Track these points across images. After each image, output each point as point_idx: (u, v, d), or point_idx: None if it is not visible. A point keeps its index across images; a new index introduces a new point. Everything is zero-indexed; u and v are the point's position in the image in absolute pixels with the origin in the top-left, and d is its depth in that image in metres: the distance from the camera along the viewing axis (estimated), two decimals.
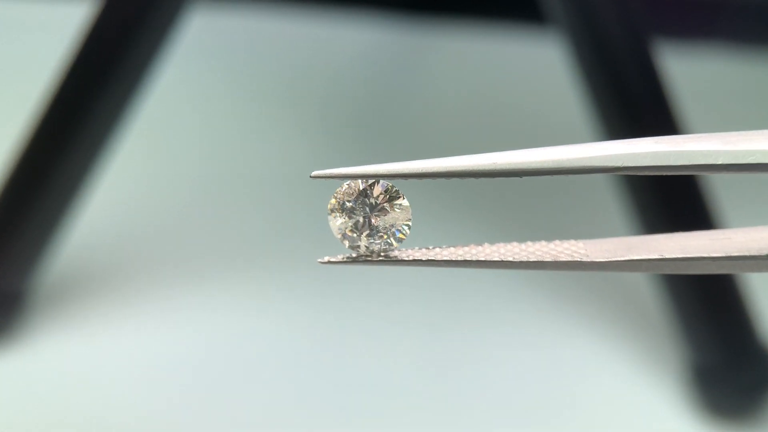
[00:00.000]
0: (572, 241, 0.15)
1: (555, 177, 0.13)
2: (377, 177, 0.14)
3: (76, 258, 0.36)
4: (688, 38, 0.53)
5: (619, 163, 0.13)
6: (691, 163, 0.13)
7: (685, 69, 0.39)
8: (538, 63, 0.47)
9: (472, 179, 0.13)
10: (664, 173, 0.14)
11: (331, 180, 0.14)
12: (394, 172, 0.13)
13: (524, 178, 0.13)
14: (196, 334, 0.34)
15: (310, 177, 0.13)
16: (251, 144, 0.45)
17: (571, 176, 0.13)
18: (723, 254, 0.15)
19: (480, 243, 0.15)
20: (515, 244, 0.15)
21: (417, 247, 0.15)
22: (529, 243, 0.15)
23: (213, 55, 0.51)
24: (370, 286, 0.36)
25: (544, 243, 0.15)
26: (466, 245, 0.15)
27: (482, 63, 0.53)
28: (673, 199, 0.32)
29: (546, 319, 0.36)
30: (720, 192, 0.33)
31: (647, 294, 0.35)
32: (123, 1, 0.32)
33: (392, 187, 0.15)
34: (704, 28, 0.54)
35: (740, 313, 0.32)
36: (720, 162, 0.13)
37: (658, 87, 0.33)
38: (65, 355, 0.33)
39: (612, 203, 0.35)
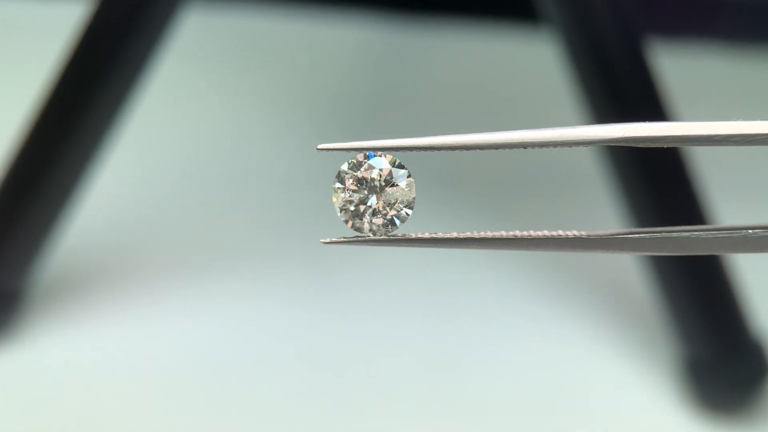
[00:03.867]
0: (574, 231, 0.15)
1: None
2: (382, 149, 0.14)
3: (74, 255, 0.36)
4: (682, 36, 0.53)
5: (619, 134, 0.13)
6: (692, 133, 0.14)
7: (678, 67, 0.39)
8: (532, 61, 0.47)
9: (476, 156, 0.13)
10: (665, 144, 0.14)
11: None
12: (399, 146, 0.14)
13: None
14: (195, 329, 0.34)
15: (317, 150, 0.13)
16: (247, 142, 0.45)
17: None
18: (726, 233, 0.15)
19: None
20: (517, 232, 0.15)
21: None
22: (531, 232, 0.15)
23: (208, 54, 0.51)
24: (372, 281, 0.37)
25: (546, 232, 0.15)
26: (468, 231, 0.15)
27: (476, 61, 0.53)
28: (668, 203, 0.33)
29: (538, 314, 0.36)
30: (715, 195, 0.33)
31: (639, 288, 0.36)
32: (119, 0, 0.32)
33: (395, 160, 0.15)
34: (697, 27, 0.54)
35: (732, 306, 0.32)
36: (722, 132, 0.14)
37: (651, 85, 0.33)
38: (63, 352, 0.33)
39: (608, 205, 0.35)
